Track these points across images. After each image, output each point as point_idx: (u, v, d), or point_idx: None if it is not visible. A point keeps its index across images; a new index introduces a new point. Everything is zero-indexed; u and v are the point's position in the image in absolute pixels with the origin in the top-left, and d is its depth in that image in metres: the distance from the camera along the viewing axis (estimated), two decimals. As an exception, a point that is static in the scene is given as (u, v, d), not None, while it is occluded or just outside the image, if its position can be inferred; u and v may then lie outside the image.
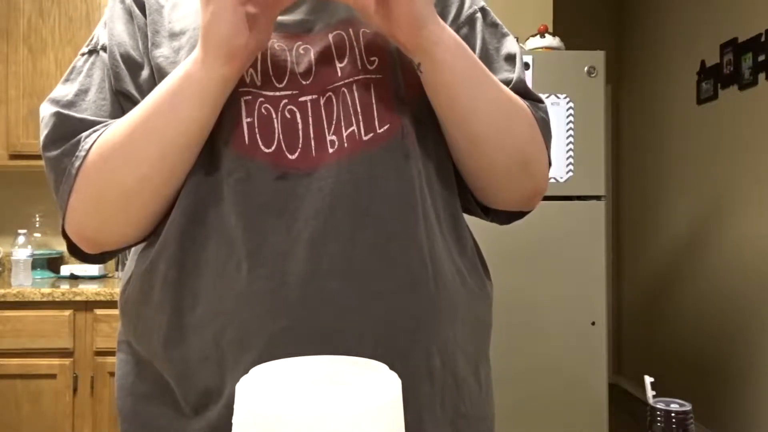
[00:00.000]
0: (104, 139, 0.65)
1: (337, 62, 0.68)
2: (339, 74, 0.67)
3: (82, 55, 0.73)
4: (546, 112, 0.77)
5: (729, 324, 3.32)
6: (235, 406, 0.41)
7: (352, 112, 0.66)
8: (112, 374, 2.35)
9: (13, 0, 2.63)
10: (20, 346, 2.32)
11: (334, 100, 0.66)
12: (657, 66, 4.18)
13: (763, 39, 3.06)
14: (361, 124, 0.66)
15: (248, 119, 0.66)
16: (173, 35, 0.70)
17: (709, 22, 3.56)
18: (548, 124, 0.77)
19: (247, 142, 0.65)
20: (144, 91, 0.70)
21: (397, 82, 0.69)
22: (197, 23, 0.68)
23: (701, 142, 3.62)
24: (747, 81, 3.18)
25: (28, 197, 2.94)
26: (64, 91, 0.70)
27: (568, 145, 2.64)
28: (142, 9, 0.73)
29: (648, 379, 0.56)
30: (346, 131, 0.66)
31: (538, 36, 2.75)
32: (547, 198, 2.61)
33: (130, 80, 0.70)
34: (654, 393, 0.55)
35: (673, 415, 0.51)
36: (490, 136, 0.69)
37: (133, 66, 0.71)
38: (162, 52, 0.70)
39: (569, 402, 2.63)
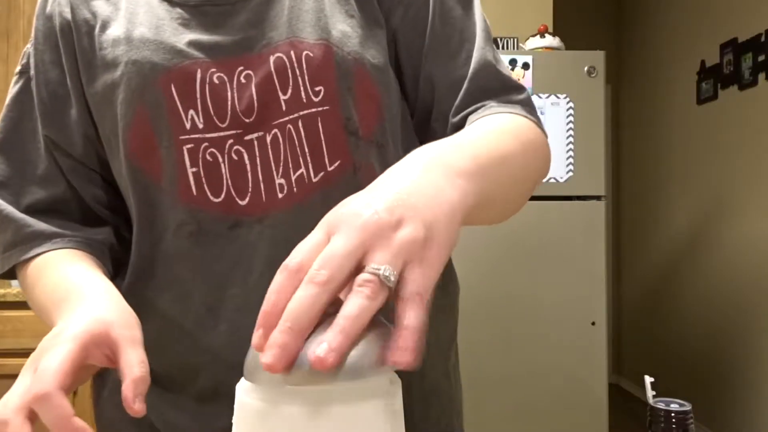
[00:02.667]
0: (28, 295, 0.65)
1: (280, 94, 0.63)
2: (284, 108, 0.63)
3: (16, 76, 0.71)
4: (531, 105, 0.68)
5: (729, 324, 3.32)
6: (235, 406, 0.41)
7: (299, 152, 0.63)
8: (112, 374, 2.35)
9: (13, 0, 2.63)
10: (20, 346, 2.32)
11: (280, 139, 0.63)
12: (657, 66, 4.18)
13: (763, 39, 3.06)
14: (310, 165, 0.63)
15: (193, 169, 0.62)
16: (106, 65, 0.65)
17: (709, 22, 3.56)
18: (541, 124, 0.68)
19: (195, 192, 0.62)
20: (73, 134, 0.67)
21: (347, 112, 0.64)
22: (129, 55, 0.63)
23: (701, 142, 3.62)
24: (747, 81, 3.18)
25: (28, 197, 2.94)
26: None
27: (568, 145, 2.64)
28: (69, 32, 0.67)
29: (648, 379, 0.56)
30: (294, 174, 0.63)
31: (538, 36, 2.75)
32: (547, 198, 2.62)
33: (56, 123, 0.67)
34: (654, 393, 0.55)
35: (673, 415, 0.51)
36: (504, 211, 0.61)
37: (59, 105, 0.67)
38: (96, 89, 0.65)
39: (569, 402, 2.63)
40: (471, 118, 0.64)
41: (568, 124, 2.63)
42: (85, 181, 0.69)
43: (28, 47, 0.70)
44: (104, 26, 0.66)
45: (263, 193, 0.62)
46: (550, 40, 2.72)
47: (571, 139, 2.64)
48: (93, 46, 0.66)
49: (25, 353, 2.54)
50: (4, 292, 2.33)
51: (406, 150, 0.66)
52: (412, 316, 0.36)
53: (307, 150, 0.63)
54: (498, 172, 0.51)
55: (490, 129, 0.58)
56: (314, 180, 0.63)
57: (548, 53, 2.68)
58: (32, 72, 0.69)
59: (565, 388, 2.63)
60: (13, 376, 2.16)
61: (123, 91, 0.63)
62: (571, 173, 2.65)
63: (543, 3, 3.13)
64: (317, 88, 0.63)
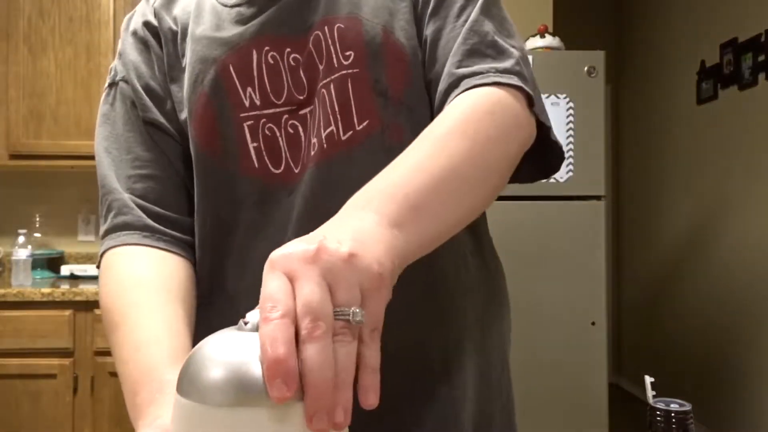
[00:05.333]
0: (103, 302, 0.65)
1: (318, 64, 0.68)
2: (321, 75, 0.67)
3: (105, 91, 0.76)
4: (517, 71, 0.64)
5: (729, 324, 3.32)
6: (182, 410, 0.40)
7: (330, 111, 0.66)
8: (112, 374, 2.35)
9: (13, 0, 2.63)
10: (20, 346, 2.32)
11: (317, 103, 0.67)
12: (657, 66, 4.18)
13: (763, 39, 3.06)
14: (340, 123, 0.66)
15: (254, 144, 0.68)
16: (184, 67, 0.72)
17: (709, 22, 3.56)
18: (527, 85, 0.64)
19: (257, 165, 0.68)
20: (171, 119, 0.72)
21: (377, 74, 0.67)
22: (193, 49, 0.71)
23: (701, 142, 3.62)
24: (747, 81, 3.18)
25: (28, 197, 2.94)
26: (103, 145, 0.72)
27: (568, 145, 2.64)
28: (158, 38, 0.74)
29: (648, 379, 0.56)
30: (324, 131, 0.66)
31: (538, 36, 2.75)
32: (547, 198, 2.62)
33: (156, 109, 0.72)
34: (654, 393, 0.55)
35: (673, 415, 0.51)
36: (464, 220, 0.59)
37: (155, 96, 0.73)
38: (177, 87, 0.72)
39: (569, 402, 2.63)
40: (449, 99, 0.64)
41: (568, 124, 2.63)
42: (185, 161, 0.73)
43: (115, 63, 0.76)
44: (184, 34, 0.73)
45: (304, 155, 0.67)
46: (550, 40, 2.72)
47: (571, 139, 2.64)
48: (177, 52, 0.73)
49: (25, 353, 2.56)
50: (4, 292, 2.33)
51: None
52: (371, 356, 0.38)
53: (337, 109, 0.66)
54: (443, 201, 0.52)
55: (435, 138, 0.56)
56: (343, 138, 0.66)
57: (548, 53, 2.68)
58: (119, 77, 0.74)
59: (565, 388, 2.63)
60: (14, 376, 2.18)
61: (188, 80, 0.70)
62: (571, 173, 2.65)
63: (543, 3, 3.13)
64: (347, 53, 0.67)
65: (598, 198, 2.66)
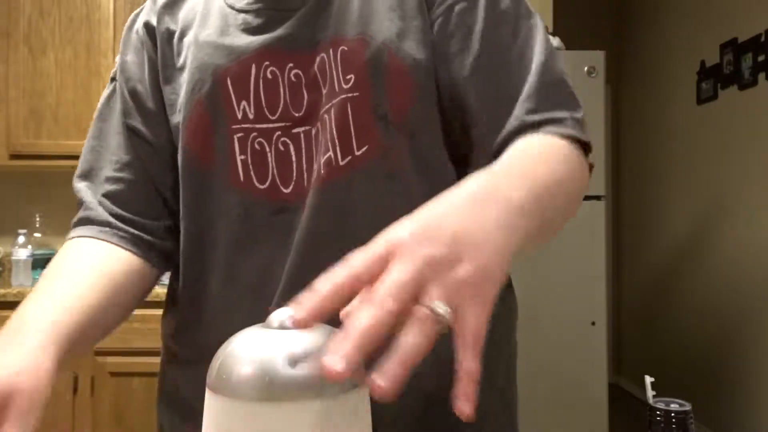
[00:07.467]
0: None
1: (323, 89, 0.67)
2: (324, 101, 0.66)
3: (108, 85, 0.79)
4: (581, 123, 0.71)
5: (729, 324, 3.32)
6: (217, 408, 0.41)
7: (329, 137, 0.65)
8: (112, 374, 2.35)
9: (13, 0, 2.63)
10: (20, 346, 2.32)
11: (320, 128, 0.66)
12: (657, 66, 4.18)
13: (763, 39, 3.06)
14: (338, 148, 0.65)
15: (242, 156, 0.67)
16: (180, 68, 0.73)
17: (709, 22, 3.56)
18: (590, 144, 0.72)
19: (242, 179, 0.67)
20: (152, 124, 0.73)
21: (378, 98, 0.65)
22: (195, 55, 0.71)
23: (701, 142, 3.62)
24: (747, 81, 3.17)
25: (28, 197, 2.94)
26: (90, 140, 0.76)
27: (568, 145, 2.65)
28: (153, 39, 0.75)
29: (648, 379, 0.56)
30: (323, 157, 0.65)
31: (538, 36, 2.74)
32: (547, 198, 2.62)
33: (137, 114, 0.74)
34: (654, 393, 0.55)
35: (673, 415, 0.51)
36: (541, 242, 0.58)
37: (139, 100, 0.74)
38: (171, 88, 0.73)
39: (569, 402, 2.64)
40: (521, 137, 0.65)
41: (568, 124, 2.63)
42: (162, 167, 0.74)
43: (117, 58, 0.79)
44: (183, 34, 0.74)
45: (305, 181, 0.67)
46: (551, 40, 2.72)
47: (571, 139, 2.64)
48: (172, 52, 0.74)
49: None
50: (4, 292, 2.33)
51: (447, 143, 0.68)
52: (471, 360, 0.38)
53: (335, 134, 0.65)
54: (551, 204, 0.53)
55: (542, 153, 0.60)
56: (341, 163, 0.65)
57: (548, 53, 2.68)
58: (117, 75, 0.77)
59: (565, 388, 2.64)
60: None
61: (187, 85, 0.71)
62: (571, 173, 2.65)
63: (543, 3, 3.13)
64: (348, 77, 0.66)
65: (598, 198, 2.67)
